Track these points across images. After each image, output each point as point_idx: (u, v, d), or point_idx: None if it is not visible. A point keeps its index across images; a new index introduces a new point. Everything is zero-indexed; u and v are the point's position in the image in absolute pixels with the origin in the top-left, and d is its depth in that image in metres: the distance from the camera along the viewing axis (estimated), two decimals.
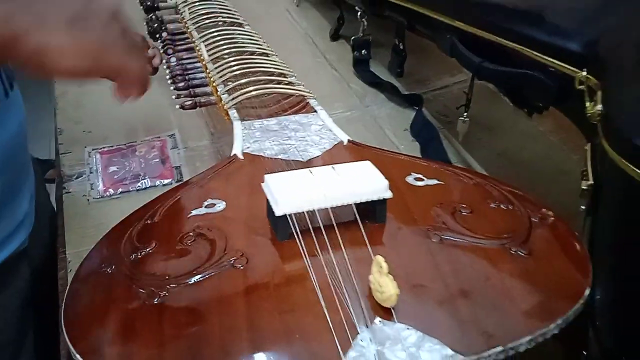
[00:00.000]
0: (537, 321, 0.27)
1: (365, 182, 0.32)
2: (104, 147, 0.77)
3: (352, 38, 0.90)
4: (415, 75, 0.90)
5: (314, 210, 0.31)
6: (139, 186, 0.71)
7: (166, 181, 0.71)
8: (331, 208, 0.31)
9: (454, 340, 0.26)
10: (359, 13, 0.88)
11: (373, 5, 0.84)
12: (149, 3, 0.95)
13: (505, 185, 0.37)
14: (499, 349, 0.25)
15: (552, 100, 0.51)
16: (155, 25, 0.85)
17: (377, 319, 0.26)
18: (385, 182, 0.32)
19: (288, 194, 0.31)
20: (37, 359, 0.60)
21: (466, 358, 0.25)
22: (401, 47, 0.82)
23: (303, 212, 0.31)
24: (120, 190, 0.70)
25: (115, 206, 0.68)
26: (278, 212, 0.30)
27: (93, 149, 0.76)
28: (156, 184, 0.71)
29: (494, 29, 0.57)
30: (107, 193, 0.70)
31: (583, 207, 0.42)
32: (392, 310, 0.26)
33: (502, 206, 0.34)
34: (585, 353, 0.35)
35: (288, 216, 0.31)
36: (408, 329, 0.26)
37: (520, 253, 0.31)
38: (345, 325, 0.26)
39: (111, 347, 0.26)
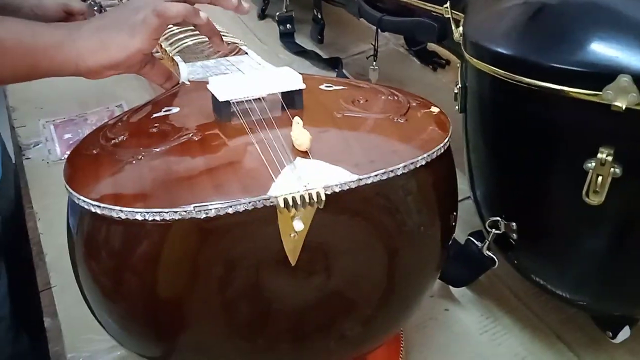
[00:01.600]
0: (409, 156, 0.38)
1: (285, 78, 0.43)
2: (56, 119, 0.84)
3: (277, 15, 1.01)
4: (335, 44, 1.02)
5: (249, 98, 0.42)
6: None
7: None
8: (262, 97, 0.42)
9: (351, 167, 0.37)
10: None
11: None
12: None
13: (394, 88, 0.49)
14: (382, 170, 0.37)
15: (436, 38, 0.64)
16: (95, 8, 0.93)
17: (298, 157, 0.37)
18: (300, 77, 0.43)
19: (228, 85, 0.42)
20: (10, 299, 0.67)
21: (360, 176, 0.36)
22: (319, 16, 0.94)
23: (242, 101, 0.42)
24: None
25: None
26: (221, 99, 0.41)
27: (46, 121, 0.83)
28: None
29: None
30: (65, 155, 0.77)
31: (457, 107, 0.55)
32: (308, 152, 0.37)
33: (389, 97, 0.46)
34: (455, 214, 0.47)
35: (229, 102, 0.41)
36: (319, 161, 0.37)
37: (400, 121, 0.42)
38: (276, 162, 0.36)
39: (107, 189, 0.36)
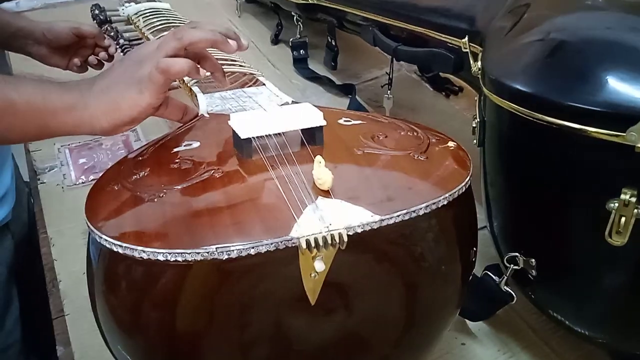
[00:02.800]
0: (431, 195, 0.38)
1: (306, 114, 0.43)
2: (71, 143, 0.84)
3: (291, 40, 1.02)
4: (348, 70, 1.03)
5: (270, 135, 0.42)
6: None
7: None
8: (283, 133, 0.42)
9: (372, 208, 0.37)
10: (295, 18, 1.00)
11: (307, 10, 0.96)
12: (101, 17, 1.04)
13: (412, 123, 0.49)
14: (404, 211, 0.37)
15: (452, 69, 0.64)
16: (112, 34, 0.94)
17: (320, 197, 0.37)
18: (321, 113, 0.43)
19: (250, 122, 0.42)
20: (22, 323, 0.67)
21: (381, 217, 0.36)
22: (333, 43, 0.95)
23: (262, 137, 0.42)
24: (91, 177, 0.78)
25: (87, 191, 0.76)
26: (243, 136, 0.41)
27: (62, 145, 0.84)
28: None
29: (404, 18, 0.70)
30: (80, 180, 0.78)
31: (475, 141, 0.55)
32: (330, 192, 0.37)
33: (409, 133, 0.46)
34: (475, 249, 0.47)
35: (251, 138, 0.41)
36: (341, 202, 0.37)
37: (420, 158, 0.42)
38: (297, 202, 0.36)
39: (128, 228, 0.35)
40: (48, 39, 0.75)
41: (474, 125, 0.54)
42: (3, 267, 0.65)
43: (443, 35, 0.63)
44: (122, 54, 0.87)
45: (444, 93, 0.96)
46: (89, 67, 0.81)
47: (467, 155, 0.44)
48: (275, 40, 1.10)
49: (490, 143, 0.52)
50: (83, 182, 0.77)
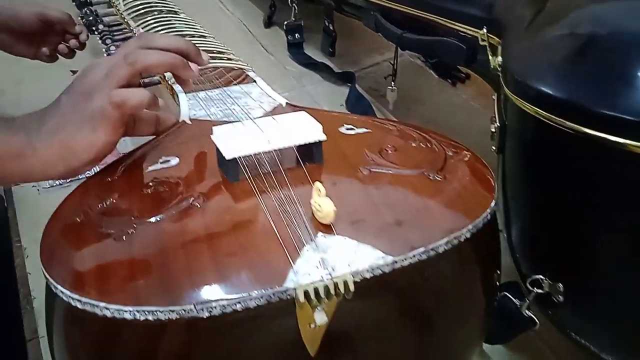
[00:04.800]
0: (451, 227, 0.32)
1: (302, 127, 0.37)
2: None
3: (285, 23, 0.95)
4: (347, 56, 0.95)
5: (260, 153, 0.36)
6: (87, 174, 0.72)
7: None
8: (274, 151, 0.36)
9: (383, 246, 0.31)
10: None
11: None
12: None
13: (424, 131, 0.43)
14: (422, 249, 0.31)
15: (464, 61, 0.57)
16: (91, 18, 0.86)
17: (320, 233, 0.31)
18: (320, 126, 0.37)
19: (235, 139, 0.36)
20: None
21: (394, 258, 0.30)
22: (331, 27, 0.87)
23: (250, 156, 0.36)
24: (69, 179, 0.72)
25: (65, 194, 0.70)
26: (228, 156, 0.35)
27: None
28: None
29: (410, 2, 0.63)
30: (57, 182, 0.71)
31: (494, 148, 0.49)
32: (332, 226, 0.31)
33: (421, 145, 0.40)
34: (499, 272, 0.41)
35: (237, 159, 0.35)
36: (345, 239, 0.31)
37: (437, 178, 0.36)
38: (293, 241, 0.30)
39: (90, 276, 0.30)
40: (11, 27, 0.68)
41: (493, 130, 0.47)
42: None
43: (455, 23, 0.56)
44: (100, 41, 0.80)
45: (449, 80, 0.89)
46: (59, 56, 0.73)
47: (489, 171, 0.38)
48: (269, 23, 1.02)
49: (511, 151, 0.46)
50: (60, 184, 0.71)
